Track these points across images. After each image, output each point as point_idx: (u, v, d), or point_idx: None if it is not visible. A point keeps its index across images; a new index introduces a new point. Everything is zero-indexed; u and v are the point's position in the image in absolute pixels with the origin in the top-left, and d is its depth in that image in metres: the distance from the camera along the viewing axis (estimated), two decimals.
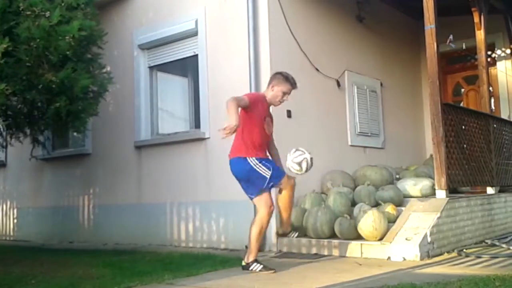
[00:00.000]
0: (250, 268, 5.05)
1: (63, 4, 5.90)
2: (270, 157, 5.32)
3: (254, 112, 5.07)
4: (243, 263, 5.14)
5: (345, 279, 4.49)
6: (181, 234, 7.58)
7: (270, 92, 5.27)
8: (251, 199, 5.22)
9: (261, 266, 5.04)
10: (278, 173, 5.10)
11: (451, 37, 6.96)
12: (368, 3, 8.56)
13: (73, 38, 5.77)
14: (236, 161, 5.11)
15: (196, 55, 7.68)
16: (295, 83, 5.33)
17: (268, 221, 5.17)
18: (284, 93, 5.27)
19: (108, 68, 7.29)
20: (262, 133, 5.15)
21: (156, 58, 8.29)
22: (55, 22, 5.67)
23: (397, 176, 7.73)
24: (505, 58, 9.55)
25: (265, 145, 5.26)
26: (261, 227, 5.09)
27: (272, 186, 5.12)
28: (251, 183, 5.10)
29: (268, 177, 5.02)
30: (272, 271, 4.97)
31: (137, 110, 8.31)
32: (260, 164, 5.03)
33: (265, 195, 5.10)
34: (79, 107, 6.30)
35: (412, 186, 6.80)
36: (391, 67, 9.45)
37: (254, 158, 5.04)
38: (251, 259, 5.09)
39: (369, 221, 5.67)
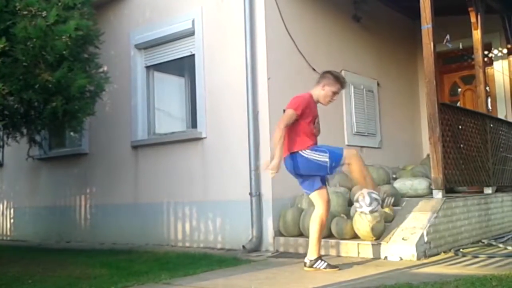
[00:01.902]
0: (314, 266, 4.97)
1: (59, 4, 5.89)
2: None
3: (304, 118, 4.99)
4: (306, 261, 5.04)
5: (342, 278, 4.49)
6: (178, 234, 7.58)
7: (321, 91, 5.13)
8: (308, 194, 5.16)
9: (325, 264, 4.95)
10: (336, 153, 4.96)
11: (448, 37, 6.96)
12: (365, 2, 8.56)
13: (69, 37, 5.76)
14: (290, 158, 4.99)
15: (193, 55, 7.68)
16: (345, 83, 5.31)
17: (327, 216, 5.12)
18: (334, 93, 5.17)
19: (105, 68, 7.29)
20: (311, 131, 5.05)
21: (153, 58, 8.28)
22: (52, 22, 5.67)
23: (394, 176, 7.74)
24: (502, 58, 9.55)
25: (315, 137, 5.13)
26: (321, 223, 5.02)
27: (335, 167, 4.99)
28: (311, 176, 5.01)
29: (327, 161, 4.89)
30: (337, 268, 4.91)
31: (134, 110, 8.30)
32: (313, 152, 4.92)
33: (321, 190, 5.05)
34: (76, 107, 6.30)
35: (409, 185, 6.81)
36: (387, 66, 9.46)
37: (306, 149, 4.94)
38: (314, 256, 5.01)
39: (365, 221, 5.67)
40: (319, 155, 4.92)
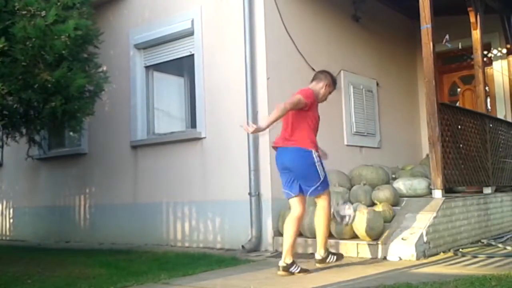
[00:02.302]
0: (291, 270, 4.82)
1: (58, 4, 5.88)
2: None
3: (312, 112, 4.96)
4: (283, 264, 4.85)
5: (341, 278, 4.49)
6: (177, 234, 7.57)
7: (322, 90, 5.15)
8: (288, 197, 5.01)
9: (299, 268, 4.86)
10: (326, 182, 4.99)
11: (447, 36, 6.96)
12: (364, 2, 8.57)
13: (68, 37, 5.75)
14: (297, 151, 4.85)
15: (192, 55, 7.68)
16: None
17: (302, 220, 5.11)
18: (330, 93, 5.26)
19: (104, 68, 7.28)
20: (315, 133, 5.05)
21: (152, 57, 8.28)
22: (51, 22, 5.66)
23: (393, 176, 7.73)
24: (501, 57, 9.56)
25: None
26: (297, 226, 4.96)
27: (317, 192, 4.92)
28: (300, 179, 4.92)
29: (321, 179, 4.89)
30: (308, 272, 4.87)
31: (133, 109, 8.30)
32: (320, 162, 4.90)
33: (303, 198, 4.99)
34: (75, 107, 6.29)
35: (408, 185, 6.80)
36: (387, 66, 9.46)
37: (317, 154, 4.90)
38: (290, 260, 4.86)
39: (365, 220, 5.67)
40: (321, 168, 4.92)
